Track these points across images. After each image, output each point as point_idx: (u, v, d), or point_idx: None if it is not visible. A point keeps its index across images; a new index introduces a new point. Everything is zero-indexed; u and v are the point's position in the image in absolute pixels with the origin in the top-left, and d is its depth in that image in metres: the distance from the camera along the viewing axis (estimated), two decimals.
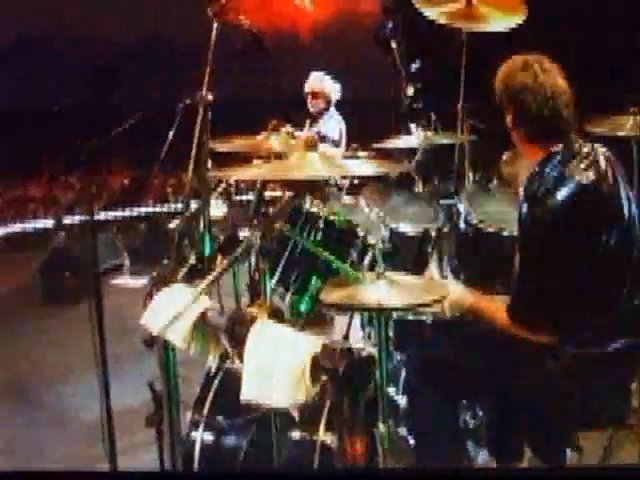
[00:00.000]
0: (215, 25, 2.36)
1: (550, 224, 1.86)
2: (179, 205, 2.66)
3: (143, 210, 7.32)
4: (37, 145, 7.04)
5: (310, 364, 1.37)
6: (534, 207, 1.88)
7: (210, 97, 2.36)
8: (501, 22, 2.92)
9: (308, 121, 5.03)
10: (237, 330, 1.56)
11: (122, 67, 8.32)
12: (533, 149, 1.99)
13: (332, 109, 4.97)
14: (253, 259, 1.88)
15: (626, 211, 1.94)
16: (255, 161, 2.24)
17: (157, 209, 7.37)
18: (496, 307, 2.02)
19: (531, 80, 1.90)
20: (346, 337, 2.79)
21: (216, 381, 2.20)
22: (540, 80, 1.90)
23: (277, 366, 1.42)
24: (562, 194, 1.87)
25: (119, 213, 6.88)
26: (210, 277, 1.66)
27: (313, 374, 1.36)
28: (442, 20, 2.95)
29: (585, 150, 1.96)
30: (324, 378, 1.32)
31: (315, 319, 4.06)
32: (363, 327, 2.63)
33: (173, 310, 1.57)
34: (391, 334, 2.51)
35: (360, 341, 2.58)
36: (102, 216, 6.60)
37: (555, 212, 1.85)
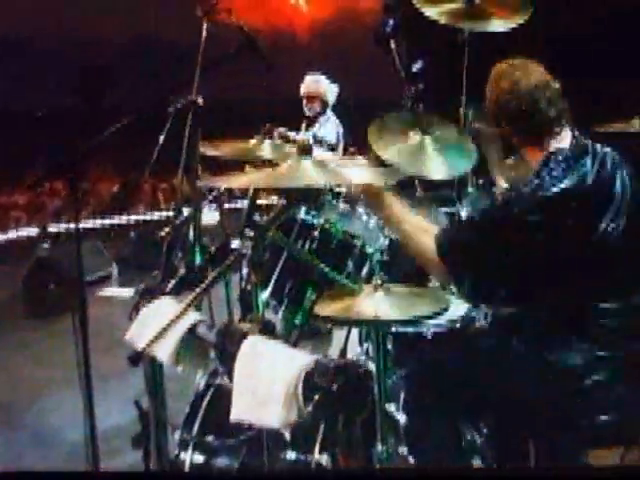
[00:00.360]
0: (205, 25, 2.36)
1: (536, 224, 1.88)
2: (171, 212, 2.65)
3: (133, 217, 7.31)
4: (22, 149, 7.03)
5: (303, 382, 1.37)
6: (527, 201, 1.90)
7: (200, 100, 2.36)
8: (504, 21, 2.93)
9: (304, 124, 5.04)
10: (227, 346, 1.56)
11: (112, 68, 8.33)
12: (532, 151, 2.02)
13: (329, 112, 4.98)
14: (245, 270, 1.87)
15: (626, 212, 1.95)
16: (247, 168, 2.24)
17: (147, 216, 7.36)
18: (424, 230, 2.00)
19: (508, 83, 1.97)
20: (343, 352, 2.79)
21: (206, 399, 2.19)
22: (515, 80, 1.97)
23: (268, 384, 1.41)
24: (560, 193, 1.88)
25: (107, 221, 6.86)
26: (198, 289, 1.65)
27: (306, 392, 1.35)
28: (443, 20, 2.96)
29: (587, 150, 1.98)
30: (317, 397, 1.31)
31: (312, 333, 4.08)
32: (361, 342, 2.63)
33: (160, 324, 1.57)
34: (390, 348, 2.51)
35: (358, 356, 2.58)
36: (90, 224, 6.58)
37: (547, 211, 1.88)
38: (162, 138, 2.50)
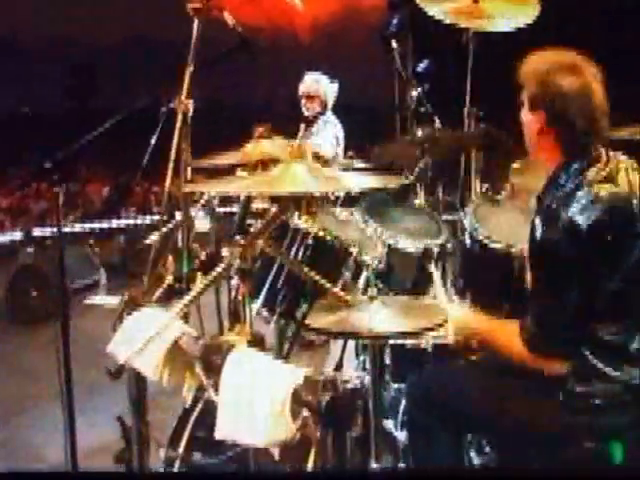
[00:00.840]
0: (196, 23, 2.38)
1: (565, 239, 1.86)
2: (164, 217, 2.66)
3: (123, 222, 7.30)
4: (5, 149, 7.06)
5: (291, 397, 1.38)
6: (548, 219, 1.89)
7: (190, 102, 2.38)
8: (510, 20, 2.96)
9: (302, 125, 5.04)
10: (213, 359, 1.57)
11: (102, 68, 8.37)
12: (555, 154, 1.98)
13: (329, 113, 4.99)
14: (235, 280, 1.89)
15: None
16: (238, 172, 2.26)
17: (139, 220, 7.36)
18: (510, 332, 2.00)
19: (578, 85, 1.90)
20: (339, 366, 2.80)
21: (194, 414, 2.20)
22: (587, 86, 1.90)
23: (254, 400, 1.42)
24: (577, 206, 1.86)
25: (96, 225, 6.87)
26: (184, 299, 1.67)
27: (293, 408, 1.36)
28: (447, 19, 2.98)
29: (607, 158, 1.96)
30: (305, 413, 1.32)
31: (309, 345, 4.08)
32: (358, 354, 2.64)
33: (143, 336, 1.58)
34: (388, 362, 2.52)
35: (355, 370, 2.59)
36: (77, 228, 6.59)
37: (570, 226, 1.85)
38: (154, 140, 2.52)
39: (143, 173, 2.79)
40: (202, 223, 2.89)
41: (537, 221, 1.94)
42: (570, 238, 1.85)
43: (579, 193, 1.88)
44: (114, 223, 7.18)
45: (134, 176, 7.15)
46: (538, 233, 1.92)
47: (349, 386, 1.39)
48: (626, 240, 1.91)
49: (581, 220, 1.85)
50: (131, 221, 7.34)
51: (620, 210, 1.91)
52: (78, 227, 6.55)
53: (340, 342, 2.87)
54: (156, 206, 7.54)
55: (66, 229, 6.29)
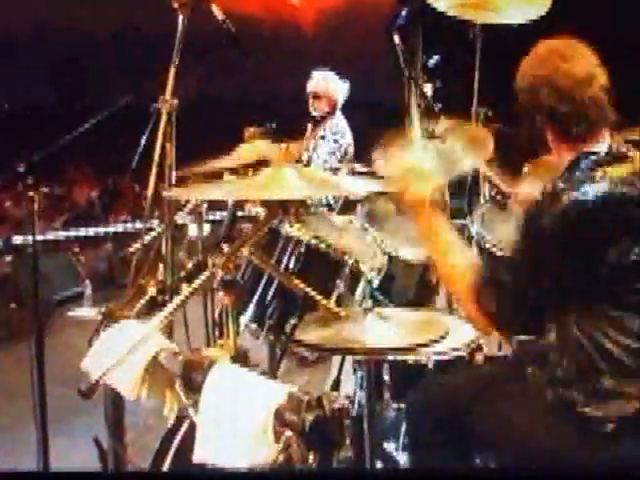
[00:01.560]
0: (181, 18, 2.41)
1: (566, 235, 1.85)
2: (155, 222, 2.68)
3: (111, 228, 7.29)
4: None
5: (274, 417, 1.39)
6: (552, 211, 1.87)
7: (175, 101, 2.40)
8: (520, 12, 2.97)
9: (310, 125, 5.05)
10: (194, 376, 1.58)
11: (89, 61, 8.41)
12: (561, 150, 1.98)
13: (338, 113, 4.99)
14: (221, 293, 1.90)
15: None
16: (226, 176, 2.28)
17: (129, 226, 7.35)
18: (461, 265, 1.98)
19: (549, 71, 1.92)
20: (337, 383, 2.81)
21: (178, 435, 2.21)
22: (561, 70, 1.91)
23: (236, 420, 1.43)
24: (588, 201, 1.85)
25: (82, 232, 6.85)
26: (164, 312, 1.68)
27: (276, 428, 1.38)
28: (451, 12, 3.01)
29: (622, 153, 1.96)
30: (288, 434, 1.34)
31: (310, 361, 4.09)
32: (355, 371, 2.65)
33: (119, 351, 1.59)
34: (387, 379, 2.53)
35: (354, 388, 2.59)
36: (61, 235, 6.59)
37: (576, 221, 1.85)
38: (144, 139, 2.53)
39: (132, 175, 2.81)
40: (194, 229, 2.91)
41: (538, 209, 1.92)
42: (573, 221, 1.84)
43: (591, 188, 1.86)
44: (102, 230, 7.15)
45: (125, 178, 7.17)
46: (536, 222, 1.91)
47: (336, 405, 1.40)
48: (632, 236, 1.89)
49: (589, 213, 1.85)
50: (120, 228, 7.33)
51: (624, 195, 1.89)
52: (62, 234, 6.54)
53: (339, 358, 2.89)
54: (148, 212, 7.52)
55: (50, 236, 6.32)
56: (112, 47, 8.23)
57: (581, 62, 1.93)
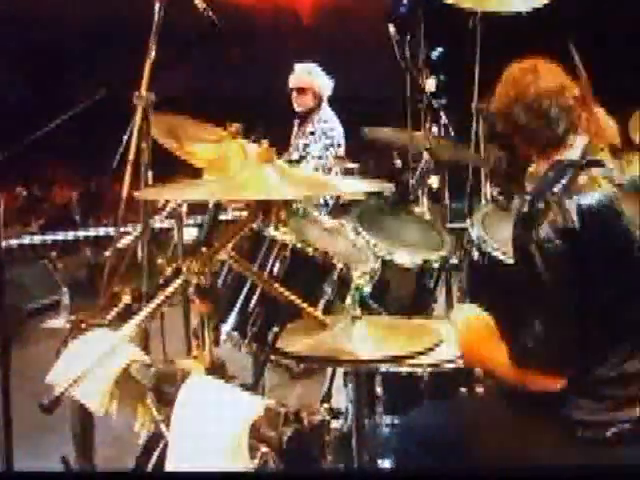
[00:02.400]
0: (157, 7, 2.42)
1: (544, 250, 1.92)
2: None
3: (92, 233, 7.27)
4: None
5: (248, 432, 1.40)
6: (525, 228, 1.97)
7: (152, 96, 2.42)
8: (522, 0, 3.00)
9: (296, 122, 5.08)
10: (166, 389, 1.60)
11: (67, 51, 8.41)
12: (538, 162, 2.13)
13: (325, 107, 5.01)
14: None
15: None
16: (205, 175, 2.30)
17: (110, 230, 7.35)
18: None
19: (515, 90, 2.08)
20: (328, 396, 2.82)
21: (155, 452, 2.22)
22: (533, 85, 2.06)
23: (209, 434, 1.45)
24: (561, 213, 1.93)
25: (60, 236, 6.85)
26: (135, 320, 1.70)
27: (251, 443, 1.39)
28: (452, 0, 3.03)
29: (599, 160, 2.05)
30: (264, 450, 1.36)
31: (306, 373, 4.09)
32: (346, 383, 2.66)
33: (86, 362, 1.60)
34: (379, 391, 2.54)
35: (346, 401, 2.60)
36: (37, 239, 6.59)
37: (550, 234, 1.92)
38: (127, 136, 2.55)
39: (114, 176, 2.82)
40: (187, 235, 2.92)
41: (516, 230, 2.03)
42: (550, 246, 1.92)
43: (564, 199, 1.94)
44: (81, 234, 7.13)
45: (106, 179, 7.17)
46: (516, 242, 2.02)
47: (316, 419, 1.41)
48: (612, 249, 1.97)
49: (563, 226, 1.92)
50: (102, 232, 7.31)
51: (609, 215, 1.98)
52: (38, 238, 6.53)
53: (330, 370, 2.90)
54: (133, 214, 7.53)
55: (25, 240, 6.32)
56: (86, 37, 8.20)
57: (548, 77, 2.09)
